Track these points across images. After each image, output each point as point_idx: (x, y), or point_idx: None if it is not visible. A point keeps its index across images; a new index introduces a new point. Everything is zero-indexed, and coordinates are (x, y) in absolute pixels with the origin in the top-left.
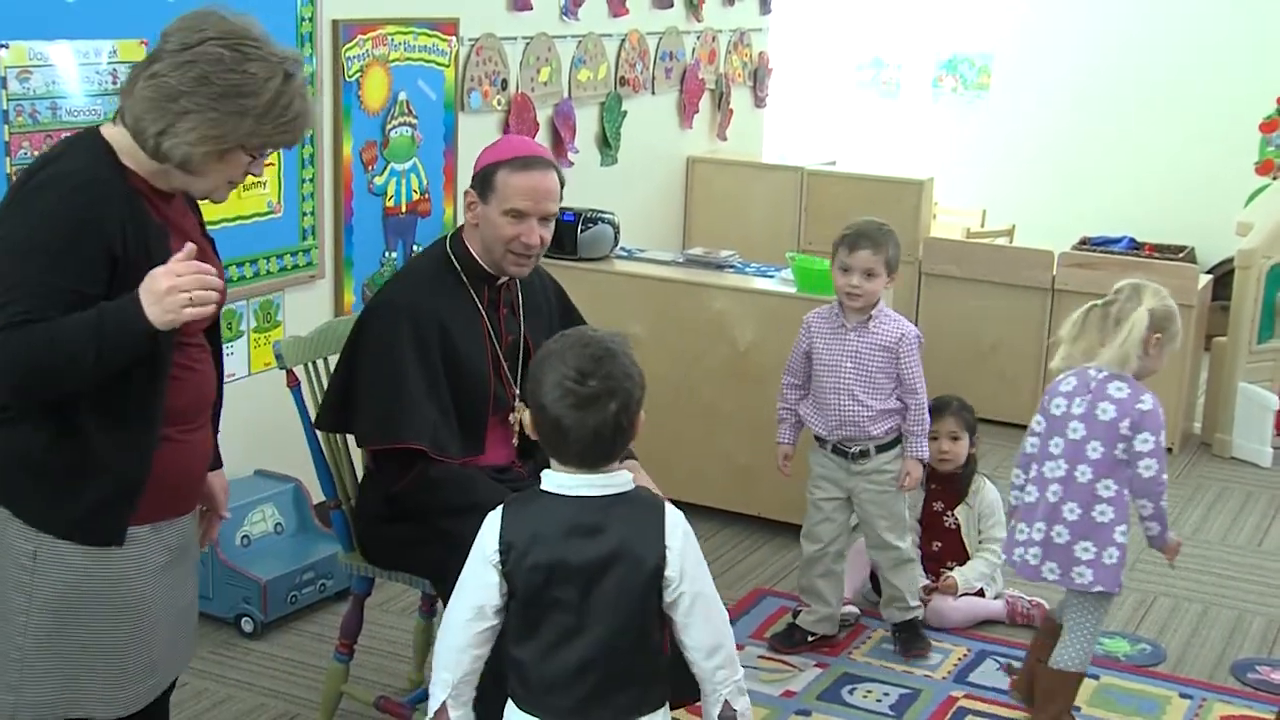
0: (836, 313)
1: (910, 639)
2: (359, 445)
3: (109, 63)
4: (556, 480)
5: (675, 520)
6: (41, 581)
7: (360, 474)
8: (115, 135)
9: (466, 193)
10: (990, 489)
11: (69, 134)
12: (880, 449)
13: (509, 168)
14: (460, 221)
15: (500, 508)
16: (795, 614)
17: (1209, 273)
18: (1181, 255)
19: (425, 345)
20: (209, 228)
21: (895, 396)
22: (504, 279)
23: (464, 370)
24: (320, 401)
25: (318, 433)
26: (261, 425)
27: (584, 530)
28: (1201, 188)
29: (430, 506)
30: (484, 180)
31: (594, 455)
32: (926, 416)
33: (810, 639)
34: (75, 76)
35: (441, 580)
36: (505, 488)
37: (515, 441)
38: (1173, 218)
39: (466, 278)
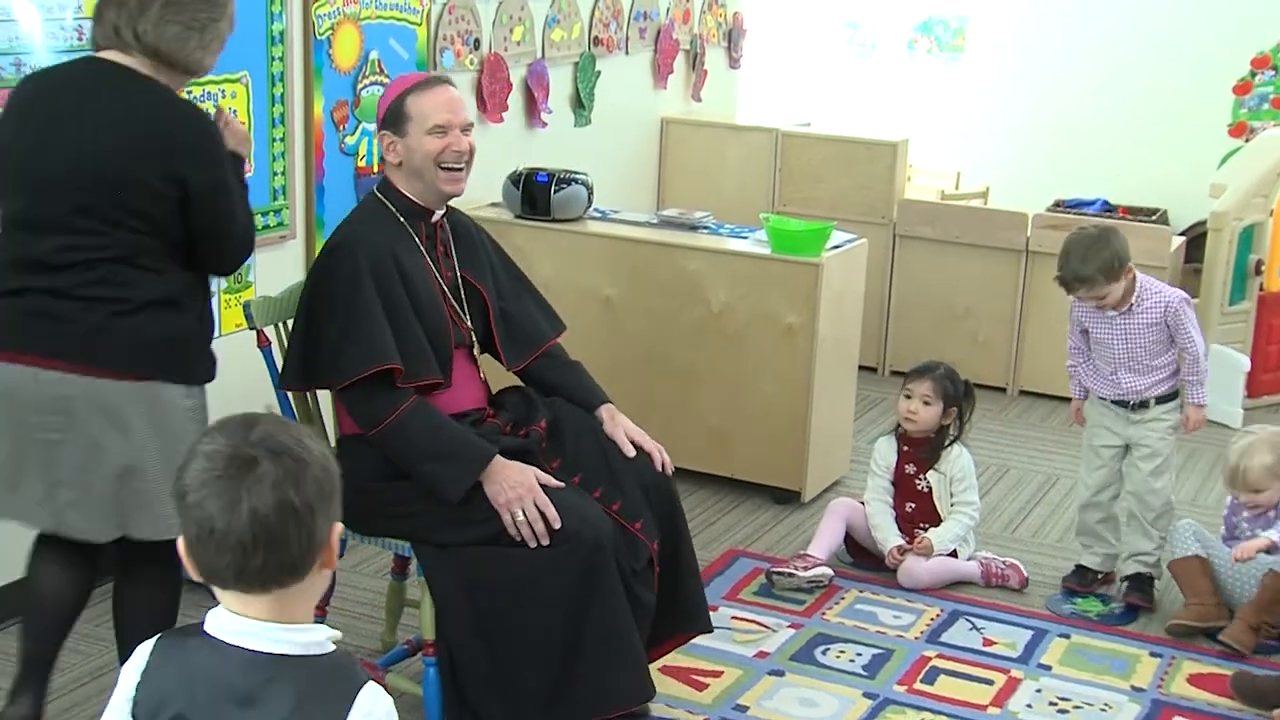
0: None
1: (1144, 590)
2: (336, 386)
3: (74, 18)
4: (218, 619)
5: (370, 708)
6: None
7: (333, 439)
8: None
9: (380, 136)
10: (965, 455)
11: None
12: (1159, 400)
13: (414, 94)
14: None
15: (150, 643)
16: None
17: (1182, 235)
18: (1154, 218)
19: (386, 278)
20: None
21: (1170, 356)
22: (437, 216)
23: (422, 302)
24: (284, 359)
25: (290, 394)
26: (232, 386)
27: (237, 698)
28: (1175, 150)
29: (404, 451)
30: (394, 116)
31: (257, 566)
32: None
33: (1100, 576)
34: (39, 31)
35: (431, 539)
36: (477, 437)
37: (481, 378)
38: (1146, 180)
39: (403, 218)
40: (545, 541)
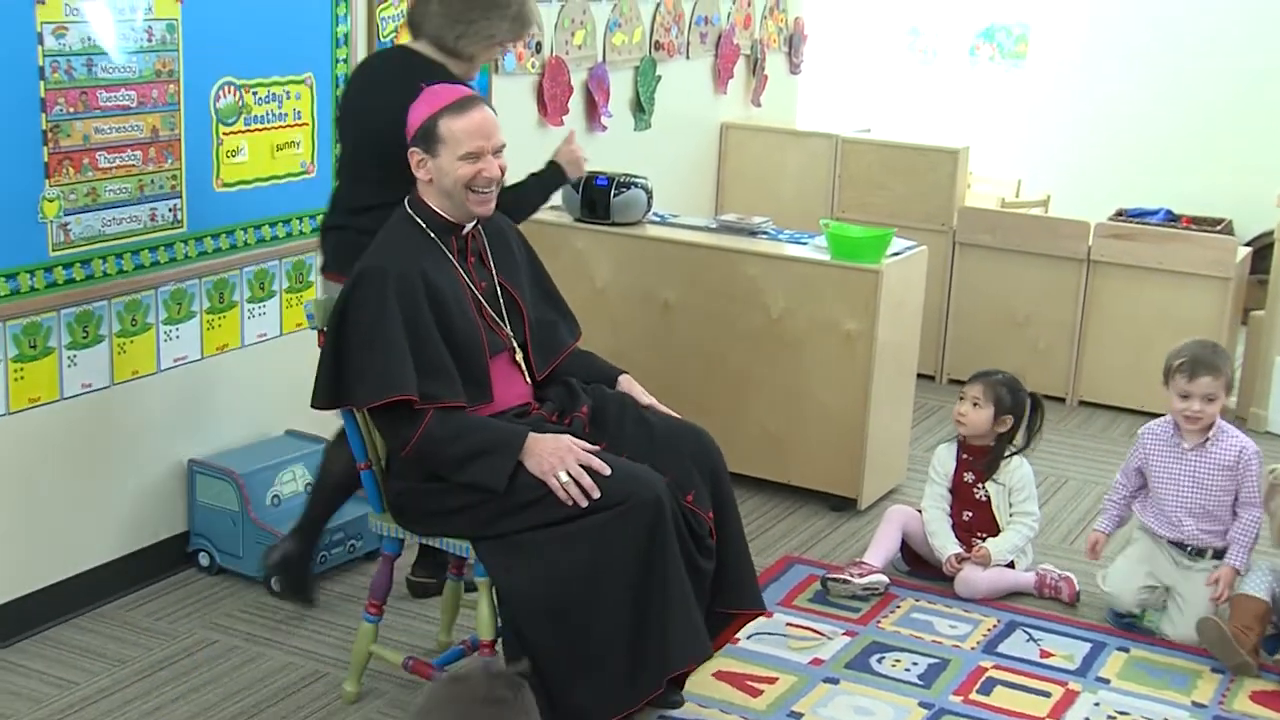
0: (1171, 431)
1: None
2: (358, 408)
3: (145, 19)
4: None
5: None
6: None
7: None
8: None
9: (411, 153)
10: (1025, 467)
11: (104, 91)
12: (1217, 554)
13: (447, 115)
14: None
15: None
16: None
17: (1247, 245)
18: (1219, 227)
19: (412, 303)
20: (241, 186)
21: (1232, 509)
22: (468, 228)
23: (456, 320)
24: (315, 381)
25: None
26: (292, 386)
27: None
28: (1240, 159)
29: (438, 461)
30: (427, 135)
31: None
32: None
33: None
34: (111, 33)
35: (480, 536)
36: (510, 423)
37: (526, 380)
38: (1210, 189)
39: (433, 233)
40: (595, 495)
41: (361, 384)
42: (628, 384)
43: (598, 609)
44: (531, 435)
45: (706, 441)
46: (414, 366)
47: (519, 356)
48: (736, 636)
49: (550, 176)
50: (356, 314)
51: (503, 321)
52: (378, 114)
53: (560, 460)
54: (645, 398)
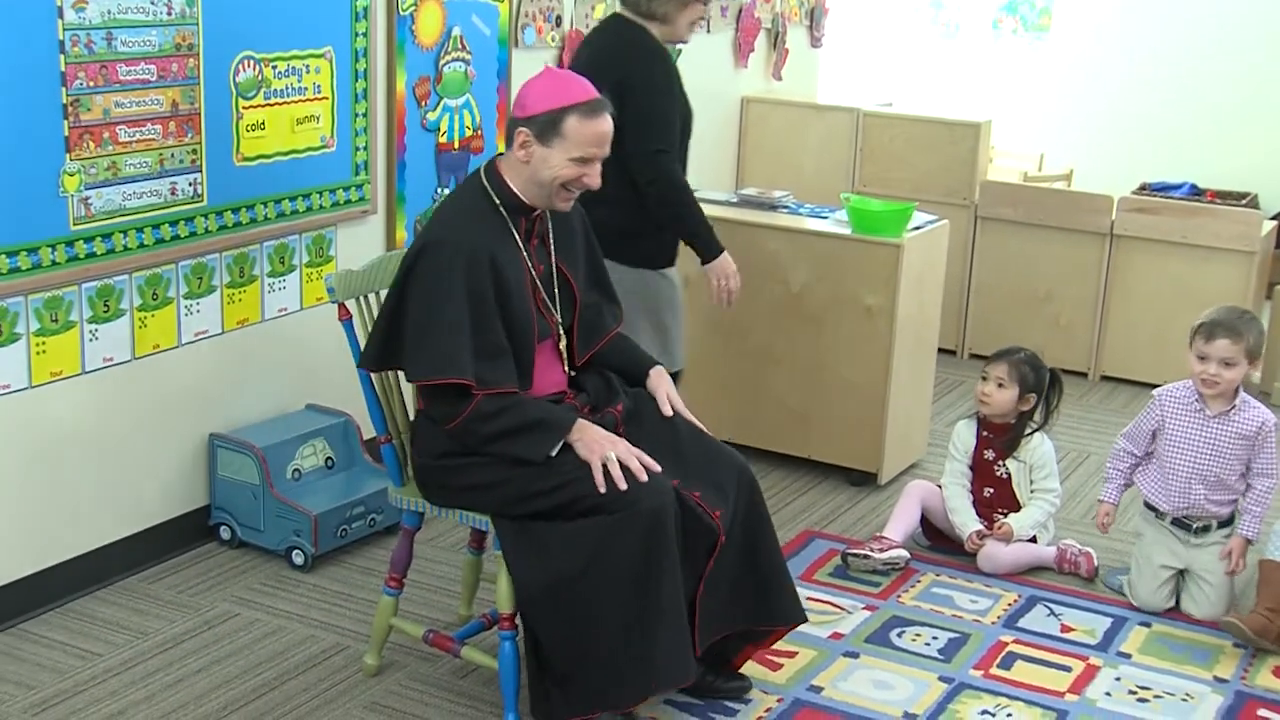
0: (1194, 396)
1: None
2: (409, 380)
3: None
4: None
5: None
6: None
7: (412, 411)
8: None
9: (519, 131)
10: (1046, 444)
11: (124, 65)
12: (1221, 524)
13: (579, 114)
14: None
15: None
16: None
17: (1273, 219)
18: (1244, 201)
19: (478, 284)
20: (261, 160)
21: (1243, 484)
22: (538, 211)
23: (513, 303)
24: (367, 339)
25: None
26: (313, 359)
27: None
28: (1265, 133)
29: (483, 436)
30: (548, 124)
31: None
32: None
33: None
34: (131, 6)
35: (504, 512)
36: (558, 405)
37: (565, 369)
38: (1235, 163)
39: (505, 211)
40: (644, 478)
41: (418, 359)
42: (658, 377)
43: (595, 607)
44: (582, 420)
45: (738, 464)
46: (471, 348)
47: (563, 344)
48: None
49: (705, 240)
50: (421, 285)
51: (554, 306)
52: (590, 63)
53: (612, 445)
54: (665, 404)
